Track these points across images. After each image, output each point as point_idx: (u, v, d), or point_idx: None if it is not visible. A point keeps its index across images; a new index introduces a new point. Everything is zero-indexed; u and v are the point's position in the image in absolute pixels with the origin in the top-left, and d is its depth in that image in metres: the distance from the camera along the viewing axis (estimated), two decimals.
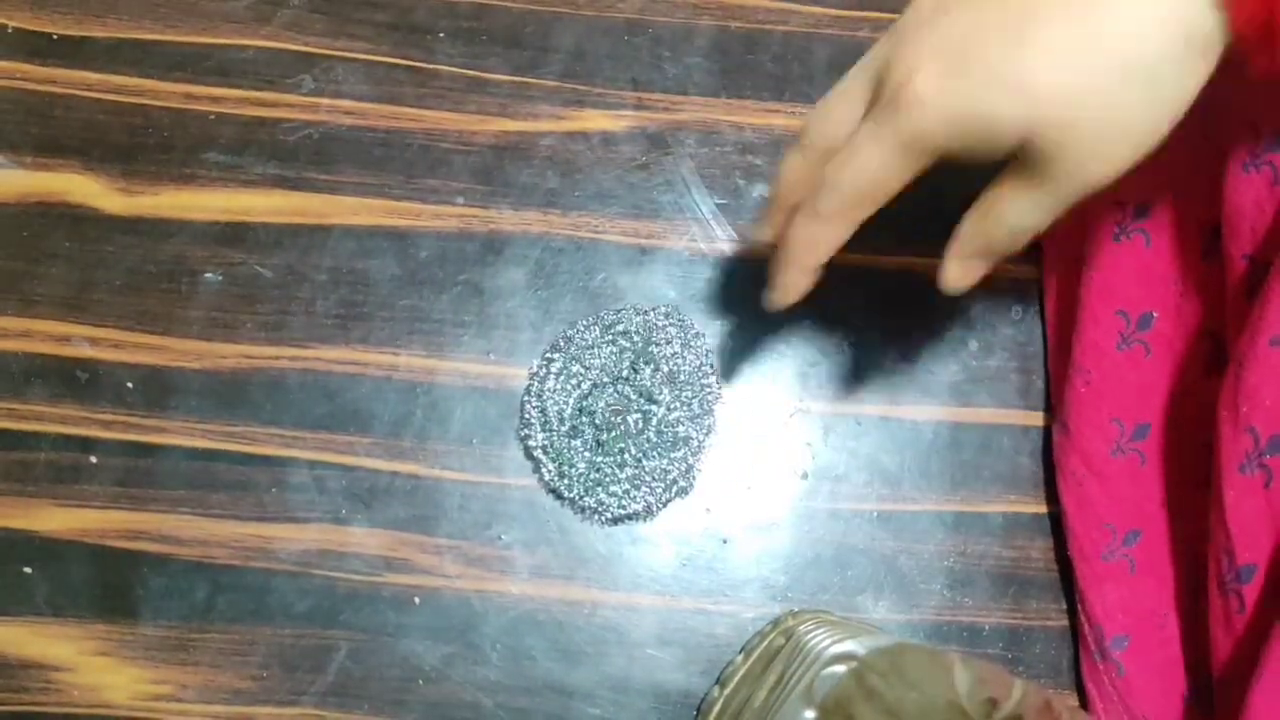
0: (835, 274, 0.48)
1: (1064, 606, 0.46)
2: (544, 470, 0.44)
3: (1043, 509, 0.46)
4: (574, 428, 0.44)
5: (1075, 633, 0.45)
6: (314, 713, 0.43)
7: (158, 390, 0.45)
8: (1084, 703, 0.44)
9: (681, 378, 0.45)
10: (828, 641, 0.38)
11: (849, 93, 0.31)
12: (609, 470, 0.44)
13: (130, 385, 0.45)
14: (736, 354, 0.47)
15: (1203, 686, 0.41)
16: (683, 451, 0.45)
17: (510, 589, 0.44)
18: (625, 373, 0.45)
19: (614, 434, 0.44)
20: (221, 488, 0.45)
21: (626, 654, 0.44)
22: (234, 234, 0.47)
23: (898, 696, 0.36)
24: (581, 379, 0.44)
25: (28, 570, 0.44)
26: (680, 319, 0.46)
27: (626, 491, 0.44)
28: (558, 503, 0.45)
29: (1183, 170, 0.39)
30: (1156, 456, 0.43)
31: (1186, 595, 0.42)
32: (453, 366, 0.46)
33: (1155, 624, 0.42)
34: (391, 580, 0.44)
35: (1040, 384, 0.47)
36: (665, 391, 0.45)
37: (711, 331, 0.47)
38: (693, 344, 0.46)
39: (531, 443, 0.44)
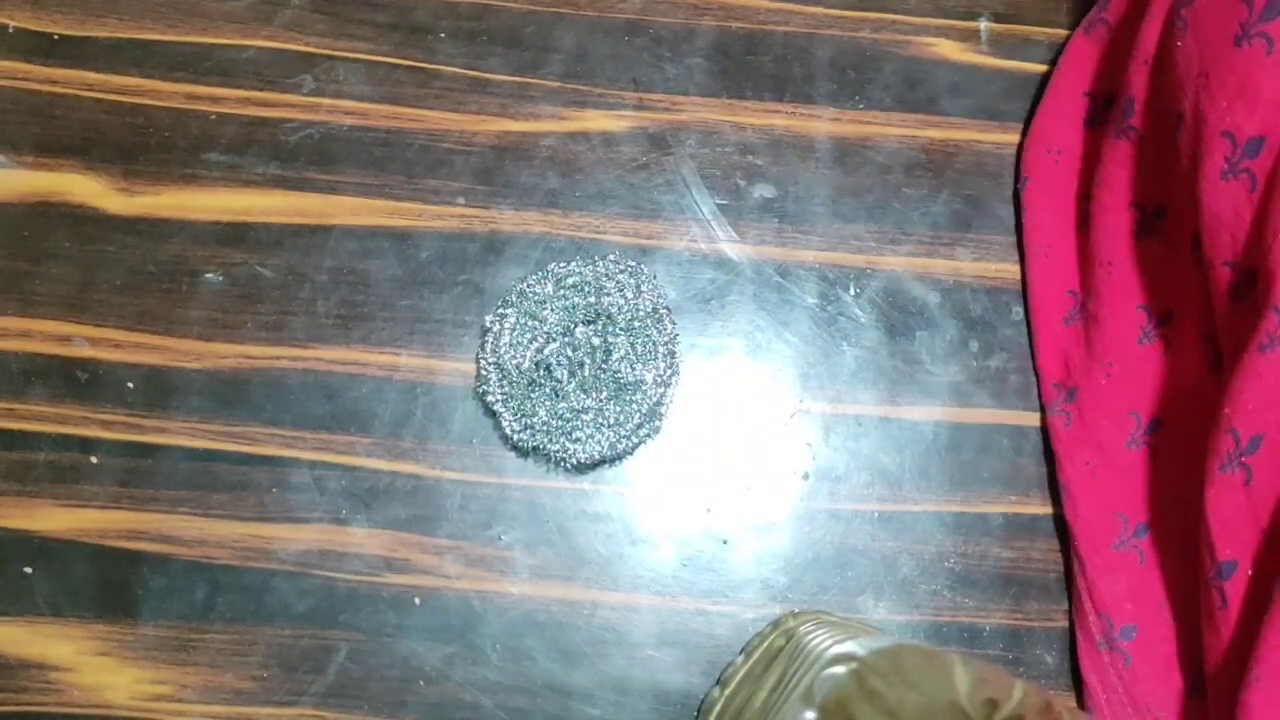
0: (835, 275, 0.48)
1: (1064, 607, 0.46)
2: (504, 423, 0.44)
3: (1043, 510, 0.46)
4: (532, 380, 0.44)
5: (1072, 627, 0.45)
6: (314, 713, 0.43)
7: (158, 390, 0.45)
8: (1080, 696, 0.44)
9: (636, 323, 0.44)
10: (828, 642, 0.38)
11: None
12: (570, 417, 0.44)
13: (131, 385, 0.45)
14: (736, 355, 0.47)
15: (1202, 680, 0.41)
16: (644, 393, 0.44)
17: (510, 589, 0.44)
18: (580, 322, 0.44)
19: (573, 382, 0.44)
20: (222, 488, 0.45)
21: (626, 654, 0.44)
22: (235, 234, 0.47)
23: (898, 697, 0.36)
24: (536, 332, 0.44)
25: (28, 570, 0.44)
26: (631, 266, 0.46)
27: (590, 436, 0.44)
28: (523, 458, 0.45)
29: (1183, 177, 0.39)
30: (1168, 451, 0.43)
31: (1190, 589, 0.42)
32: (453, 367, 0.46)
33: (1161, 616, 0.43)
34: (392, 581, 0.44)
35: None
36: (622, 337, 0.44)
37: (711, 332, 0.47)
38: (645, 289, 0.45)
39: (490, 398, 0.44)
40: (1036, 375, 0.47)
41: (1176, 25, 0.37)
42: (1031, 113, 0.49)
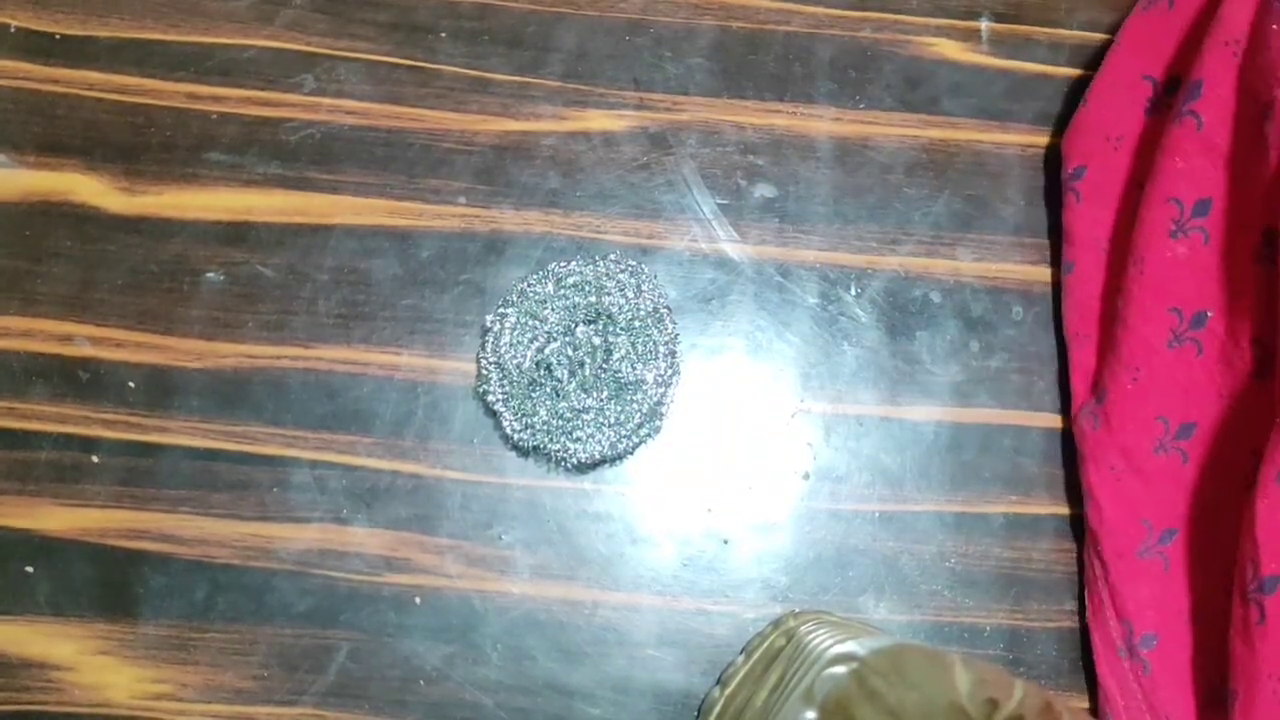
0: (836, 275, 0.48)
1: (1065, 607, 0.46)
2: (505, 422, 0.44)
3: (1045, 510, 0.46)
4: (532, 380, 0.44)
5: (1084, 631, 0.45)
6: (314, 713, 0.43)
7: (159, 390, 0.45)
8: (1094, 700, 0.44)
9: (637, 322, 0.44)
10: (829, 642, 0.38)
11: None
12: (571, 416, 0.44)
13: (132, 384, 0.45)
14: (737, 354, 0.47)
15: (1223, 691, 0.41)
16: (645, 393, 0.44)
17: (511, 589, 0.44)
18: (580, 322, 0.44)
19: (573, 382, 0.44)
20: (223, 487, 0.45)
21: (627, 654, 0.44)
22: (236, 233, 0.47)
23: (899, 697, 0.35)
24: (537, 331, 0.44)
25: (29, 569, 0.44)
26: (632, 265, 0.46)
27: (591, 435, 0.44)
28: (523, 458, 0.45)
29: (1243, 171, 0.38)
30: (1199, 456, 0.42)
31: (1215, 599, 0.41)
32: (454, 366, 0.46)
33: (1183, 624, 0.42)
34: (392, 580, 0.44)
35: (1042, 385, 0.47)
36: (622, 336, 0.44)
37: (712, 332, 0.47)
38: (645, 289, 0.45)
39: (491, 397, 0.44)
40: (1066, 375, 0.46)
41: (1274, 6, 0.35)
42: (1070, 105, 0.48)
